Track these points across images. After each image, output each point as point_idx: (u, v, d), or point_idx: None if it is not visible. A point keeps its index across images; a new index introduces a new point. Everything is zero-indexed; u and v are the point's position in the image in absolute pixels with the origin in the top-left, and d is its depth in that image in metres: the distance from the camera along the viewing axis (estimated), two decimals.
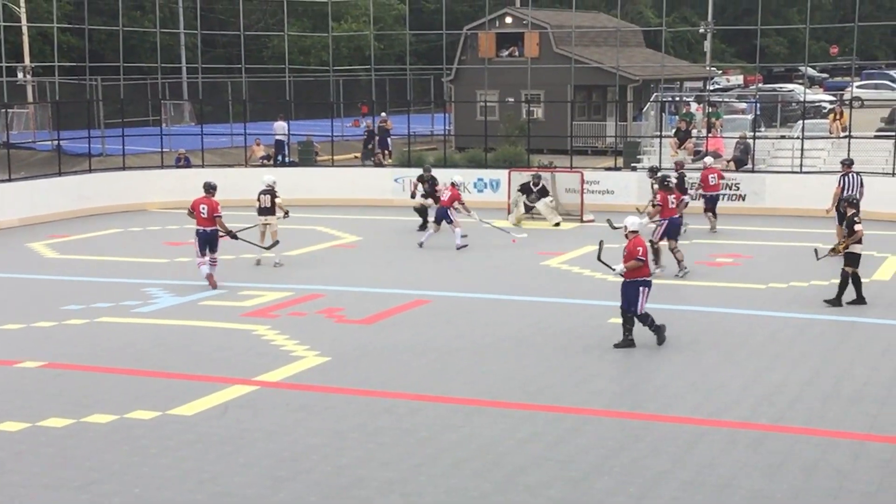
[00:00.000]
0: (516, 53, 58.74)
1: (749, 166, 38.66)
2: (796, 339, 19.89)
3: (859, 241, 22.11)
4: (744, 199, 36.33)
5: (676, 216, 25.87)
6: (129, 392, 16.64)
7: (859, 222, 22.02)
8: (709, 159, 34.63)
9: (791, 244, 29.79)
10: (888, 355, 18.56)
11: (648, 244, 21.99)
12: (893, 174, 35.85)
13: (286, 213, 27.69)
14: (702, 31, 72.62)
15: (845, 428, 14.80)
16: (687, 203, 28.07)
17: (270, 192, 27.73)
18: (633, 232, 19.31)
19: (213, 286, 24.85)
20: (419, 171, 34.72)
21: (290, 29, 59.86)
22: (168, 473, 13.19)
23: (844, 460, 13.52)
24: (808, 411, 15.54)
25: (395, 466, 13.37)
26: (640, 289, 19.04)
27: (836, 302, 22.19)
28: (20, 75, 59.08)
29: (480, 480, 12.89)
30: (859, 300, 22.22)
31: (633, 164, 41.30)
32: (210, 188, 25.67)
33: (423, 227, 32.63)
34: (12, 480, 13.02)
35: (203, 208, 25.14)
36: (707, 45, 71.66)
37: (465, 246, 29.54)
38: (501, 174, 38.11)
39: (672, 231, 25.49)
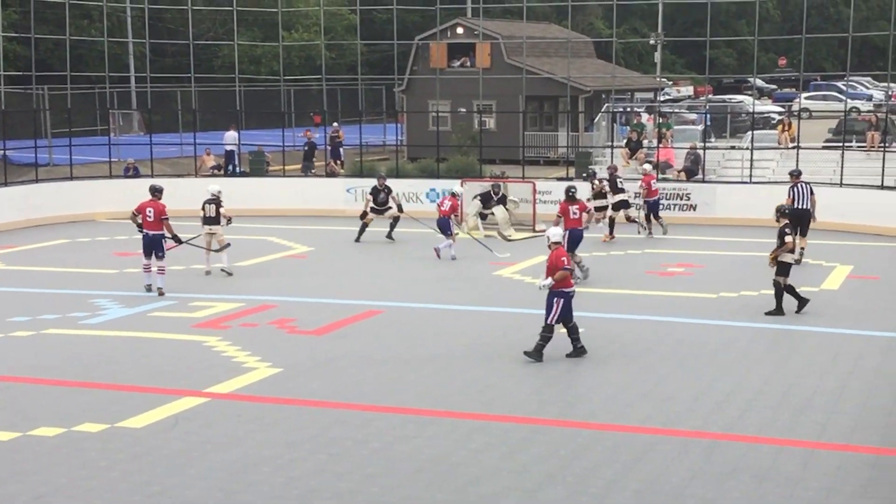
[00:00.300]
0: (468, 64, 58.79)
1: (700, 176, 38.93)
2: (747, 348, 20.00)
3: (790, 251, 22.36)
4: (695, 209, 36.53)
5: (579, 228, 26.02)
6: (77, 405, 16.51)
7: (789, 233, 22.27)
8: (647, 166, 35.14)
9: (742, 254, 29.96)
10: (836, 364, 18.69)
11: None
12: (841, 185, 36.13)
13: (229, 220, 27.64)
14: (652, 42, 73.11)
15: (795, 436, 14.88)
16: (592, 213, 28.31)
17: (215, 201, 27.69)
18: (556, 243, 19.24)
19: (161, 295, 24.93)
20: (373, 182, 34.61)
21: (240, 38, 59.75)
22: (118, 487, 13.08)
23: (794, 468, 13.60)
24: (758, 420, 15.63)
25: (347, 477, 13.32)
26: (555, 299, 18.88)
27: (776, 312, 22.38)
28: None
29: (434, 491, 12.88)
30: (801, 305, 22.49)
31: (584, 175, 41.41)
32: (156, 191, 25.81)
33: (359, 239, 32.99)
34: None
35: (150, 211, 25.30)
36: (657, 56, 72.07)
37: (454, 258, 29.64)
38: (454, 184, 38.08)
39: (572, 242, 25.28)
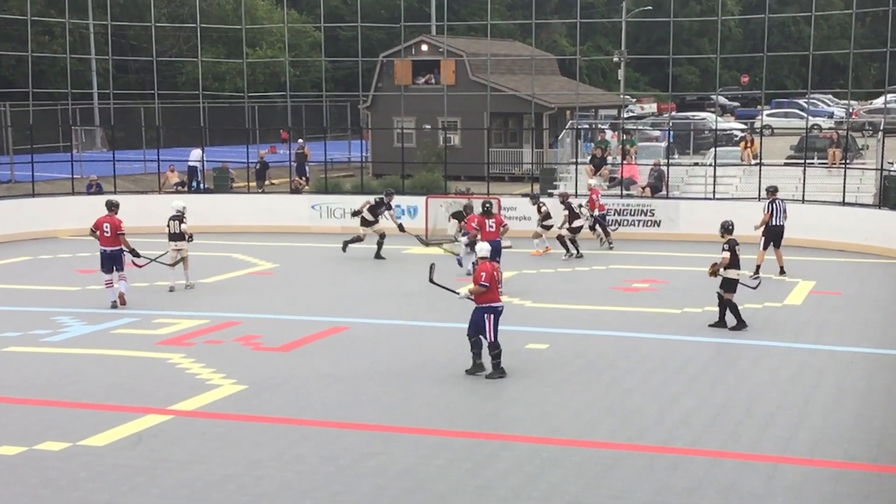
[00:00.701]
0: (432, 81, 58.93)
1: (663, 192, 39.05)
2: (711, 363, 20.07)
3: (734, 267, 22.58)
4: (658, 225, 36.65)
5: (496, 240, 26.33)
6: (38, 423, 16.40)
7: (726, 249, 22.50)
8: (592, 181, 35.62)
9: (706, 269, 29.96)
10: (799, 379, 18.76)
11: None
12: (803, 201, 36.31)
13: (190, 237, 27.67)
14: (615, 59, 73.48)
15: (759, 451, 14.92)
16: (507, 227, 28.65)
17: (180, 217, 27.72)
18: (482, 258, 19.35)
19: (123, 303, 25.23)
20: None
21: (204, 55, 59.78)
22: None
23: (759, 483, 13.62)
24: (723, 434, 15.66)
25: (313, 495, 13.28)
26: (485, 315, 18.92)
27: (719, 324, 22.75)
28: None
29: None
30: (739, 325, 22.66)
31: (549, 191, 41.52)
32: (112, 206, 26.02)
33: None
34: None
35: (106, 227, 25.49)
36: (621, 73, 72.41)
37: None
38: (419, 200, 38.14)
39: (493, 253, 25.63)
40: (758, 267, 28.52)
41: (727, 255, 22.43)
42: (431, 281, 20.18)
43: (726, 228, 22.97)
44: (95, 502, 13.09)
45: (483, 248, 19.76)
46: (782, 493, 13.28)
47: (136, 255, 26.14)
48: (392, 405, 17.37)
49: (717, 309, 22.97)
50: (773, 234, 29.29)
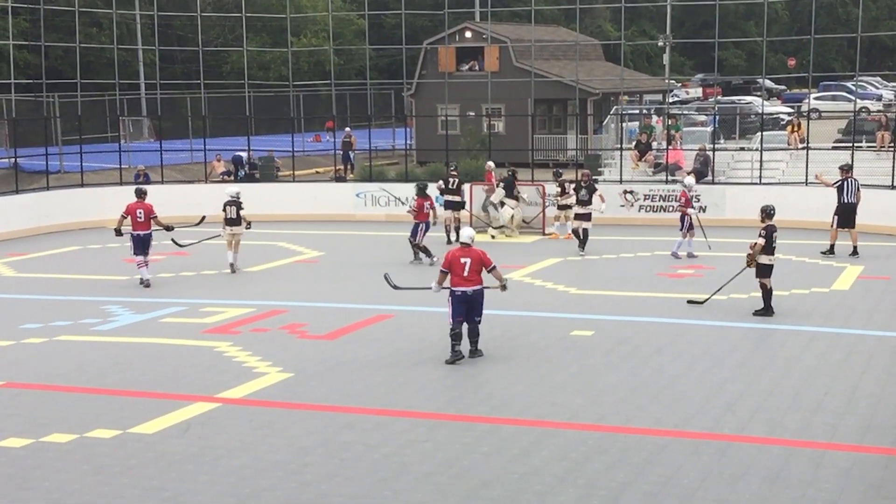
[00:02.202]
0: (476, 67, 58.77)
1: (709, 178, 38.84)
2: (757, 349, 19.99)
3: (770, 253, 22.37)
4: (704, 211, 36.45)
5: (426, 220, 29.11)
6: (89, 411, 16.53)
7: (762, 235, 22.31)
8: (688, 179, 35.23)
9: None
10: (847, 365, 18.66)
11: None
12: None
13: (248, 224, 28.07)
14: (661, 44, 72.95)
15: (806, 437, 14.86)
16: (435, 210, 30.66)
17: (235, 203, 28.06)
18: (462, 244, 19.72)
19: (147, 286, 26.64)
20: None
21: (249, 44, 59.79)
22: (129, 492, 13.09)
23: (806, 469, 13.57)
24: (769, 421, 15.60)
25: (359, 482, 13.33)
26: (448, 298, 19.47)
27: (764, 312, 22.58)
28: None
29: (445, 495, 12.88)
30: (766, 311, 22.54)
31: (594, 177, 41.39)
32: (142, 193, 27.69)
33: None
34: None
35: (139, 212, 26.89)
36: (666, 57, 71.95)
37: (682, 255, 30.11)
38: (463, 188, 38.11)
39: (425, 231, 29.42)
40: (832, 246, 28.76)
41: (762, 241, 22.27)
42: (392, 285, 20.66)
43: (767, 213, 22.75)
44: (145, 488, 13.19)
45: (466, 234, 19.88)
46: (830, 479, 13.21)
47: (170, 228, 27.55)
48: (437, 392, 17.42)
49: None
50: (844, 213, 29.45)
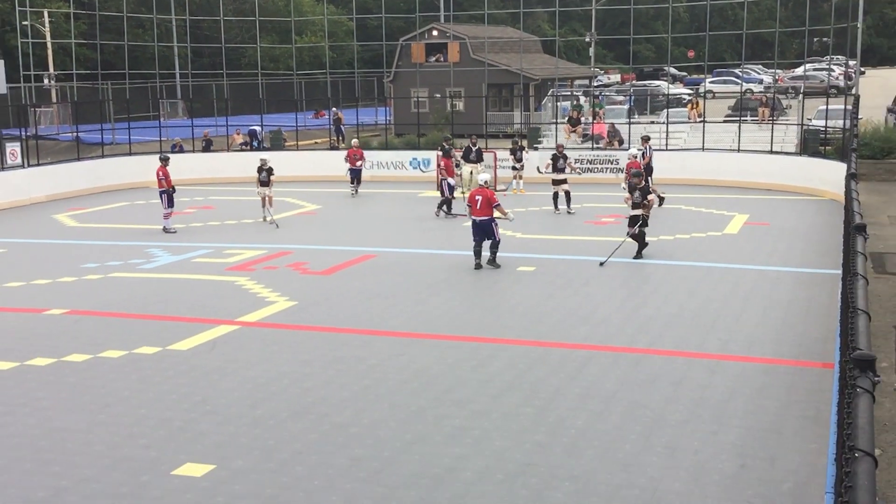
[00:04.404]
0: (441, 59, 58.48)
1: (626, 145, 38.71)
2: (664, 280, 19.96)
3: (640, 207, 22.01)
4: (621, 171, 36.31)
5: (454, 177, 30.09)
6: (136, 332, 16.41)
7: (649, 192, 22.16)
8: (633, 150, 34.85)
9: (663, 206, 29.86)
10: (735, 293, 18.69)
11: None
12: (738, 150, 36.09)
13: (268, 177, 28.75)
14: (587, 40, 72.57)
15: (703, 350, 14.87)
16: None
17: (265, 167, 28.22)
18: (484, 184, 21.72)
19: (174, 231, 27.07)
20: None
21: (261, 42, 59.44)
22: (168, 397, 13.00)
23: (703, 376, 13.57)
24: (674, 338, 15.60)
25: (349, 388, 13.26)
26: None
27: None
28: (46, 81, 59.47)
29: (418, 397, 12.82)
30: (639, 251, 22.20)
31: (535, 145, 41.27)
32: (163, 159, 28.14)
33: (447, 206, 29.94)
34: (43, 405, 12.82)
35: (161, 174, 27.41)
36: (591, 51, 71.61)
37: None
38: (431, 154, 37.93)
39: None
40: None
41: (652, 196, 22.17)
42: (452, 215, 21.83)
43: (637, 175, 22.59)
44: (181, 394, 13.10)
45: (481, 178, 22.28)
46: (722, 383, 13.22)
47: (174, 190, 27.57)
48: (411, 317, 17.33)
49: (669, 237, 22.76)
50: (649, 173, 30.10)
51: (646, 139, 32.80)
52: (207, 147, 42.41)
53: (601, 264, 21.34)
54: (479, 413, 12.19)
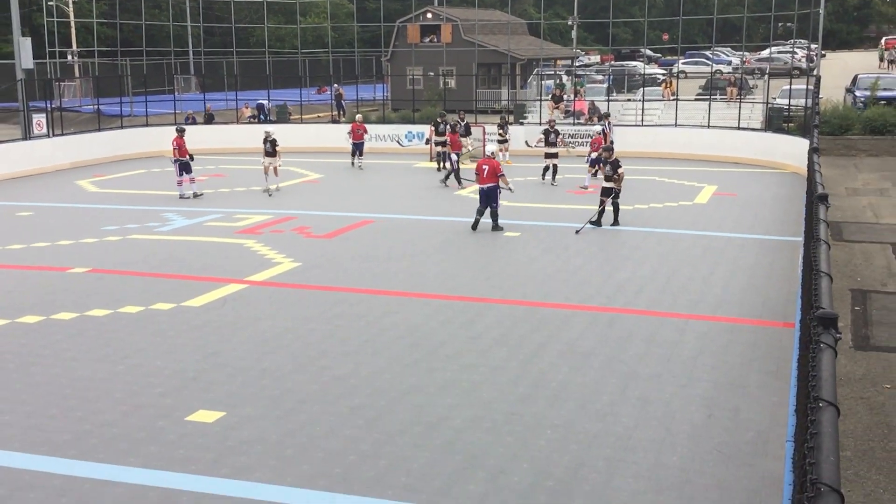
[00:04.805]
0: (435, 40, 58.19)
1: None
2: (639, 245, 19.93)
3: (612, 180, 21.69)
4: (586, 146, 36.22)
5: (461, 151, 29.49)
6: (153, 290, 16.36)
7: (618, 166, 21.79)
8: (596, 127, 34.70)
9: (636, 177, 29.81)
10: (704, 258, 18.68)
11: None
12: (709, 126, 35.99)
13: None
14: (570, 23, 72.22)
15: (674, 310, 14.88)
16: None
17: (269, 139, 28.06)
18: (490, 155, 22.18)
19: (194, 196, 26.88)
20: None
21: (269, 22, 59.05)
22: (182, 349, 12.99)
23: (674, 334, 13.59)
24: (647, 298, 15.61)
25: (349, 342, 13.25)
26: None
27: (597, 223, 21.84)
28: (69, 58, 59.43)
29: (412, 351, 12.82)
30: (596, 223, 21.81)
31: (520, 120, 41.13)
32: (179, 130, 27.82)
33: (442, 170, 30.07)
34: (67, 356, 12.81)
35: (175, 144, 27.09)
36: (574, 33, 71.26)
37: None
38: (425, 128, 37.77)
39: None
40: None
41: (622, 170, 21.87)
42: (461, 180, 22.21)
43: (608, 149, 22.46)
44: (194, 346, 13.08)
45: (487, 150, 23.17)
46: (691, 341, 13.24)
47: (191, 159, 27.36)
48: (406, 277, 17.30)
49: (644, 207, 22.68)
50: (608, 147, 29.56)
51: (606, 116, 32.72)
52: (210, 120, 42.13)
53: (577, 232, 21.29)
54: (468, 366, 12.20)
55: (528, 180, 29.88)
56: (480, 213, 21.57)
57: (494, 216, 21.53)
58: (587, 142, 36.36)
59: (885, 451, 9.89)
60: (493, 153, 22.38)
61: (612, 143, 27.48)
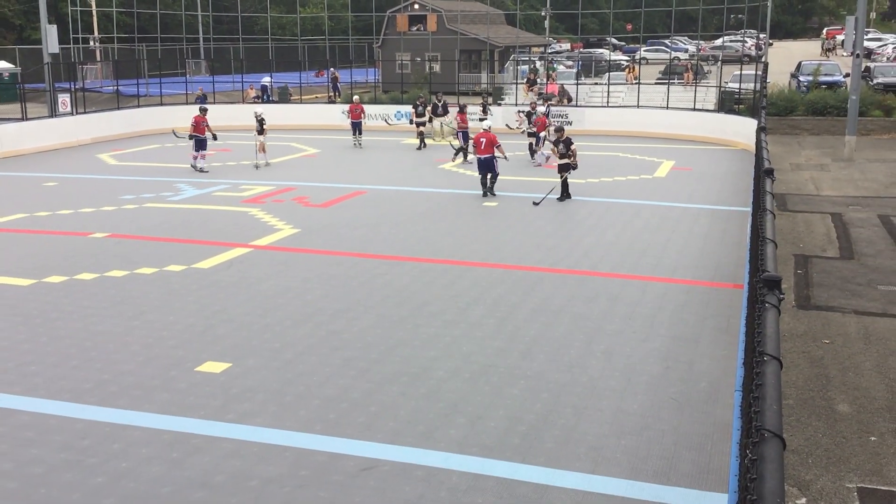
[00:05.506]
0: (422, 28, 57.75)
1: (574, 103, 38.44)
2: (603, 216, 19.85)
3: (567, 157, 21.39)
4: (571, 124, 36.11)
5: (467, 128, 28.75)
6: (166, 253, 16.23)
7: (570, 145, 21.50)
8: (541, 108, 34.12)
9: (602, 154, 29.75)
10: (662, 226, 18.64)
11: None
12: (667, 107, 35.85)
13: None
14: (543, 14, 71.83)
15: (636, 273, 14.84)
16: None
17: (258, 118, 27.52)
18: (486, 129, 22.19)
19: (204, 171, 26.31)
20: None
21: (271, 12, 58.48)
22: (192, 307, 12.90)
23: (636, 293, 13.56)
24: (612, 262, 15.56)
25: (343, 299, 13.18)
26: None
27: (564, 196, 21.44)
28: (91, 43, 58.93)
29: (399, 309, 12.75)
30: (564, 196, 21.40)
31: (498, 102, 40.91)
32: (201, 109, 27.39)
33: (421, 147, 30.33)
34: (87, 312, 12.71)
35: (193, 122, 26.67)
36: (546, 23, 70.87)
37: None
38: (409, 108, 37.49)
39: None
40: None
41: (574, 147, 21.59)
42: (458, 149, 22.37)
43: (558, 129, 22.22)
44: (203, 304, 12.99)
45: (485, 124, 22.65)
46: (652, 300, 13.22)
47: (215, 137, 27.14)
48: (394, 242, 17.21)
49: (609, 180, 22.56)
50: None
51: (547, 99, 32.33)
52: (202, 101, 41.63)
53: (535, 203, 20.93)
54: (449, 323, 12.15)
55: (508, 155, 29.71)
56: (483, 180, 22.01)
57: (493, 181, 21.99)
58: (558, 120, 36.30)
59: (824, 400, 9.92)
60: (489, 127, 22.46)
61: (553, 123, 27.29)
